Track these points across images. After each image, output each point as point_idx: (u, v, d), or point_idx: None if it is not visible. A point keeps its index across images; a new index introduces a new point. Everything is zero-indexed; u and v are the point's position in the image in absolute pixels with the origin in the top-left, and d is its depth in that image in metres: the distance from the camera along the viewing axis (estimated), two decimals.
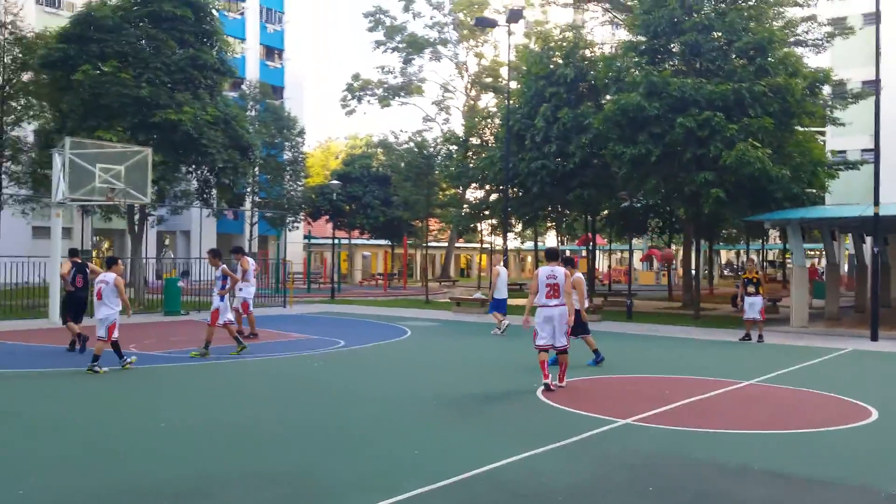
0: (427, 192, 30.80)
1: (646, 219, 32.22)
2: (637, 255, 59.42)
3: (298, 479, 5.89)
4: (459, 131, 37.17)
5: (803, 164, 20.73)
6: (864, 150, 35.34)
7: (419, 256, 64.46)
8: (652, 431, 7.72)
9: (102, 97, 21.90)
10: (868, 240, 31.33)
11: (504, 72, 50.88)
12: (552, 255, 10.33)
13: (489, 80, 55.83)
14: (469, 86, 58.73)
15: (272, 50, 58.61)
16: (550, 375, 9.88)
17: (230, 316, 13.15)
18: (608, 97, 21.21)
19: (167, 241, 53.34)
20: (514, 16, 22.61)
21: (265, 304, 25.34)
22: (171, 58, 22.71)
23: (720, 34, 20.76)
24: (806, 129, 29.77)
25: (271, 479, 5.88)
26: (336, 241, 42.34)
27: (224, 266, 12.89)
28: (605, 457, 6.68)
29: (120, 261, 12.18)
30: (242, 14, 56.28)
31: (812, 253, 59.49)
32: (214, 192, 27.98)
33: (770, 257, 62.44)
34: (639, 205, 29.19)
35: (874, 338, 17.20)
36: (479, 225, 40.08)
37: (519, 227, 40.99)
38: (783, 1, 24.13)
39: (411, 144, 42.03)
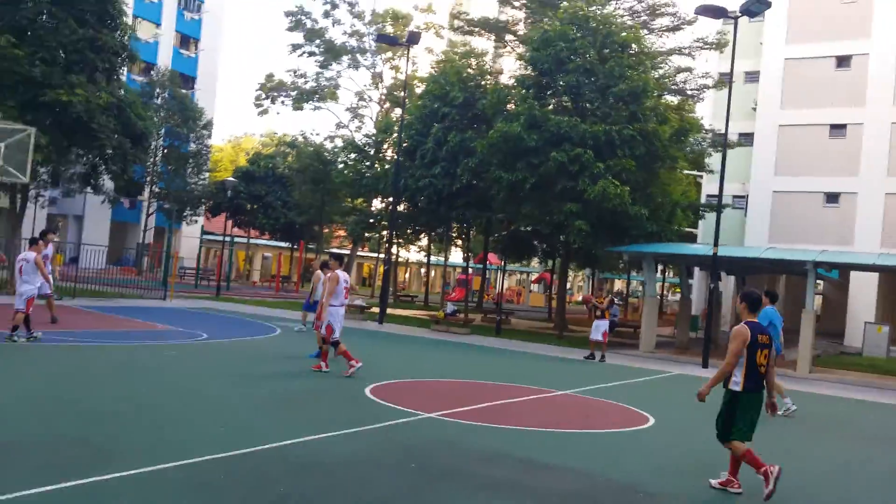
0: (322, 198, 31.42)
1: (532, 243, 33.78)
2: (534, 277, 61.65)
3: (102, 445, 6.58)
4: (364, 140, 38.00)
5: (663, 205, 22.56)
6: (735, 196, 38.14)
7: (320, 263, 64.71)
8: (447, 424, 8.74)
9: None
10: (730, 278, 34.00)
11: (419, 88, 52.18)
12: (340, 259, 12.56)
13: (402, 93, 56.93)
14: (383, 97, 59.69)
15: (188, 38, 57.91)
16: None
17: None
18: (496, 125, 22.53)
19: (59, 225, 51.76)
20: (413, 38, 23.75)
21: (144, 297, 25.39)
22: (69, 37, 22.59)
23: (600, 78, 22.40)
24: (687, 172, 32.19)
25: (80, 443, 6.55)
26: (229, 238, 42.22)
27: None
28: (391, 441, 7.65)
29: (40, 241, 12.64)
30: None
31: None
32: (106, 178, 27.73)
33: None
34: (527, 229, 30.78)
35: (705, 364, 19.00)
36: (382, 235, 41.12)
37: (424, 241, 41.96)
38: (655, 54, 26.14)
39: (310, 149, 42.52)
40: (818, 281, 38.31)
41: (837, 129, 34.24)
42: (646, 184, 22.15)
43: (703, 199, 35.69)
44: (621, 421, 10.11)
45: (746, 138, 37.37)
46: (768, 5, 18.64)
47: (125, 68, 28.15)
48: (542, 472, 6.93)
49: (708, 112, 38.54)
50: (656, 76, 25.31)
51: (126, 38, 24.93)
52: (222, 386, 10.09)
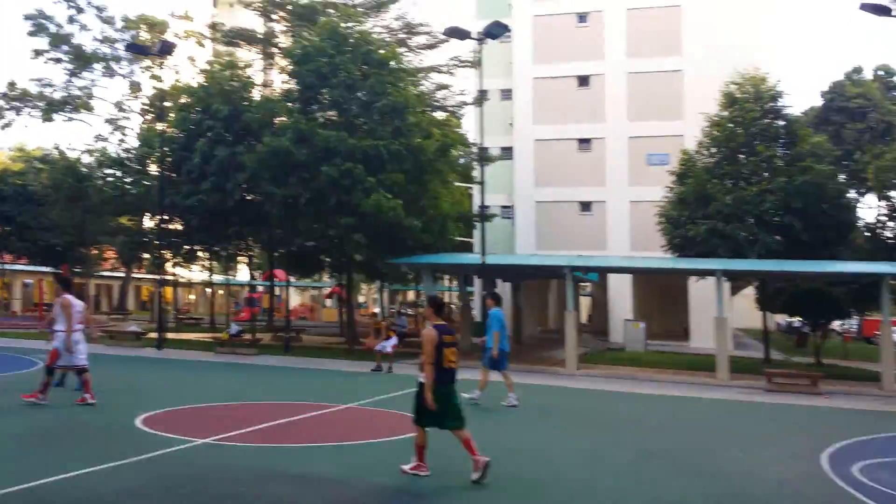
0: (83, 216, 29.06)
1: (319, 258, 33.71)
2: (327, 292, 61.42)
3: None
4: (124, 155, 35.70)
5: (435, 217, 23.60)
6: (503, 207, 40.63)
7: (92, 287, 59.88)
8: (224, 448, 8.71)
9: None
10: (507, 284, 36.13)
11: (184, 99, 49.79)
12: (66, 283, 12.41)
13: (168, 104, 54.42)
14: (144, 108, 56.31)
15: None
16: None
17: None
18: (263, 139, 22.32)
19: None
20: (166, 48, 22.93)
21: None
22: None
23: (364, 93, 22.95)
24: (458, 184, 33.76)
25: None
26: None
27: None
28: (163, 470, 7.55)
29: None
30: None
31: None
32: None
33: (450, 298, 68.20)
34: (309, 244, 30.69)
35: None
36: (157, 255, 38.92)
37: (206, 261, 40.27)
38: (413, 71, 27.31)
39: (60, 164, 39.12)
40: (585, 283, 41.94)
41: (584, 142, 37.52)
42: (417, 197, 23.02)
43: (475, 210, 37.67)
44: (399, 428, 10.53)
45: (507, 152, 39.94)
46: (506, 29, 20.10)
47: None
48: (317, 486, 7.22)
49: (472, 127, 40.81)
50: (417, 92, 26.28)
51: None
52: None
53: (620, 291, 36.18)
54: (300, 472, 7.66)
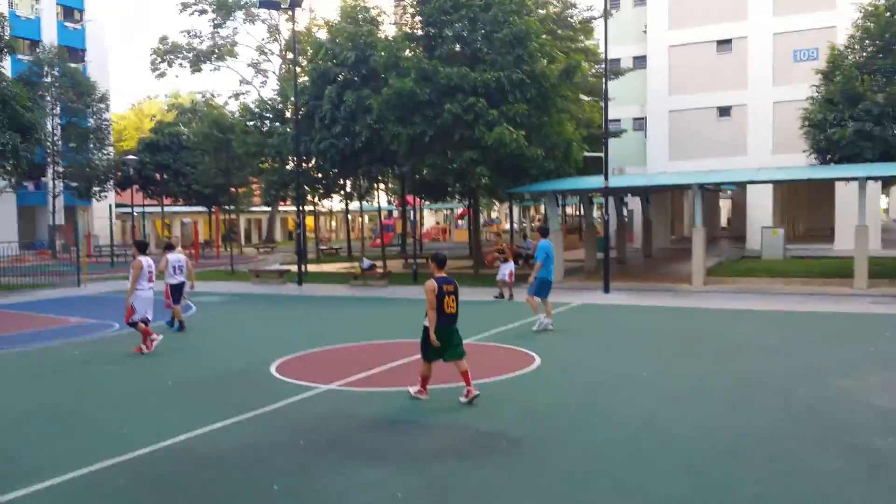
0: (226, 168, 31.21)
1: (443, 186, 34.44)
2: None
3: (8, 461, 7.06)
4: (269, 96, 37.52)
5: (559, 143, 23.44)
6: (635, 119, 39.42)
7: (243, 221, 64.12)
8: (342, 395, 9.47)
9: None
10: (636, 198, 35.44)
11: (321, 33, 51.24)
12: (143, 247, 13.33)
13: (292, 56, 56.04)
14: (284, 50, 58.45)
15: (71, 10, 55.30)
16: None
17: None
18: (389, 81, 22.84)
19: None
20: (296, 1, 23.60)
21: (58, 285, 25.20)
22: None
23: (485, 26, 22.79)
24: (587, 99, 33.01)
25: None
26: (136, 208, 41.40)
27: None
28: (285, 420, 8.34)
29: None
30: None
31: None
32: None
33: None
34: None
35: (606, 290, 20.24)
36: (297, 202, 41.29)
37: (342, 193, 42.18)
38: None
39: (208, 114, 41.75)
40: (728, 189, 40.38)
41: (724, 44, 35.62)
42: (541, 124, 22.90)
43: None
44: (508, 366, 11.00)
45: (640, 61, 38.46)
46: None
47: (6, 57, 27.15)
48: (418, 433, 7.73)
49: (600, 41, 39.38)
50: (540, 16, 25.74)
51: (2, 28, 24.07)
52: (127, 383, 10.54)
53: (760, 195, 34.63)
54: (410, 417, 8.29)
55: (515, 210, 55.66)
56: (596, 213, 37.16)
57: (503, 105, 21.93)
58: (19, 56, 41.77)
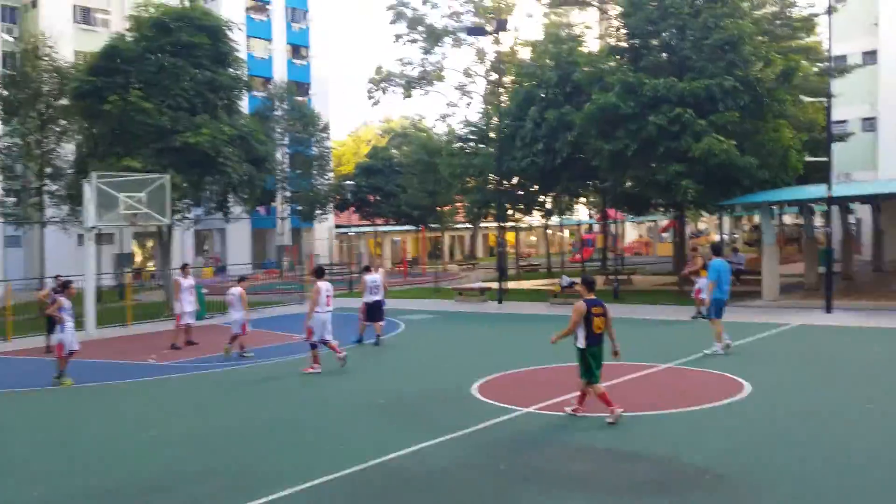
0: (432, 189, 32.57)
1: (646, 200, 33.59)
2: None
3: (237, 473, 7.94)
4: (474, 117, 38.94)
5: (775, 150, 22.04)
6: (864, 119, 35.95)
7: (447, 238, 66.43)
8: (542, 418, 9.60)
9: (128, 125, 24.17)
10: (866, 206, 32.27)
11: (524, 53, 52.25)
12: (320, 273, 14.43)
13: (507, 65, 57.44)
14: (489, 70, 60.10)
15: (298, 48, 60.67)
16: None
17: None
18: (592, 96, 22.78)
19: (206, 246, 56.26)
20: (501, 25, 24.33)
21: (283, 302, 27.63)
22: (189, 83, 24.85)
23: (695, 32, 22.07)
24: (809, 99, 30.73)
25: (217, 473, 7.95)
26: (352, 229, 44.25)
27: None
28: (487, 443, 8.61)
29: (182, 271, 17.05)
30: (268, 16, 58.37)
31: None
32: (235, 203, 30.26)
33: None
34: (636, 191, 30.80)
35: (828, 310, 18.65)
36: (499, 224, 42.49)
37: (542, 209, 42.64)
38: None
39: (418, 137, 43.95)
40: None
41: None
42: (754, 132, 21.71)
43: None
44: (716, 394, 10.53)
45: (870, 57, 35.08)
46: None
47: (245, 97, 30.43)
48: (620, 463, 7.65)
49: (822, 35, 36.49)
50: (755, 17, 24.42)
51: (241, 71, 27.02)
52: (342, 400, 11.37)
53: None
54: (610, 444, 8.22)
55: (726, 221, 52.70)
56: (818, 223, 34.33)
57: (713, 114, 21.06)
58: (255, 93, 46.62)
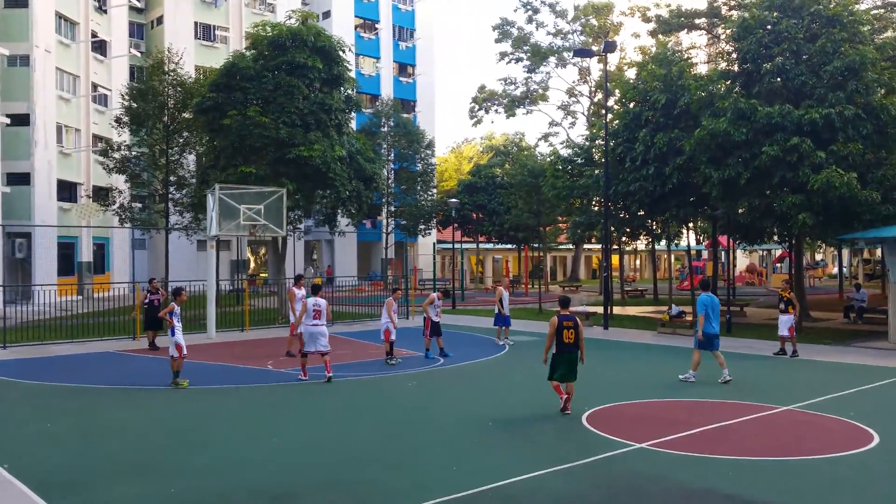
0: (537, 209, 32.46)
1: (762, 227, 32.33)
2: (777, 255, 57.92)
3: (356, 487, 8.11)
4: (577, 138, 38.64)
5: None
6: None
7: (549, 259, 65.96)
8: (657, 456, 9.35)
9: (247, 138, 25.37)
10: None
11: (630, 72, 51.65)
12: (316, 289, 15.06)
13: (603, 102, 56.95)
14: (593, 90, 59.64)
15: (404, 66, 62.09)
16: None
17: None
18: (703, 122, 22.22)
19: (315, 256, 58.04)
20: (609, 47, 24.06)
21: None
22: (303, 102, 25.86)
23: (812, 57, 21.23)
24: None
25: (336, 486, 8.14)
26: (455, 245, 44.63)
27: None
28: (600, 477, 8.47)
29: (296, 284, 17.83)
30: (377, 34, 60.02)
31: None
32: (344, 218, 31.15)
33: None
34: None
35: None
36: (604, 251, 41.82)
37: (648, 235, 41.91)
38: (871, 19, 23.94)
39: (519, 159, 44.10)
40: None
41: None
42: (876, 164, 20.62)
43: None
44: (841, 442, 10.01)
45: None
46: None
47: (353, 117, 31.33)
48: None
49: None
50: (878, 43, 23.24)
51: (352, 91, 27.87)
52: (453, 418, 11.46)
53: None
54: (733, 491, 7.89)
55: (845, 253, 50.12)
56: None
57: (832, 144, 20.13)
58: (363, 110, 47.97)
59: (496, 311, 21.36)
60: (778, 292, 18.75)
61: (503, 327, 21.02)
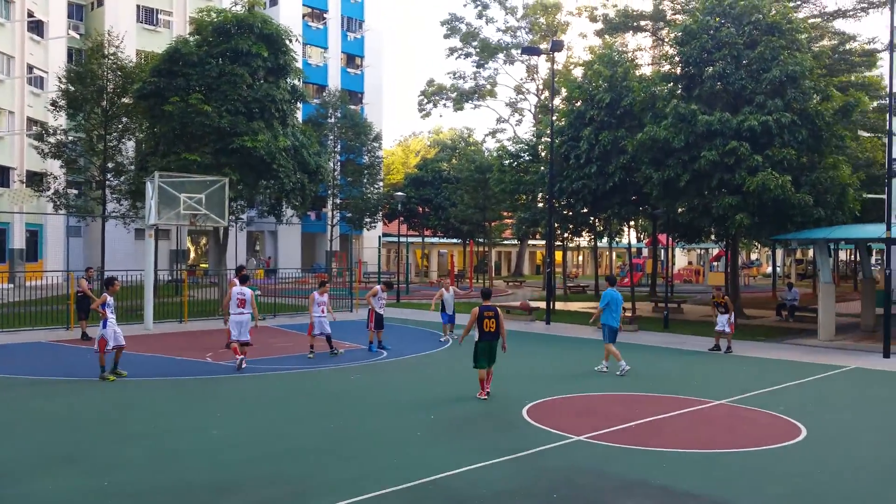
0: (483, 204, 32.66)
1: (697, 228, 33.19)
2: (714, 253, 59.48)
3: (295, 480, 8.06)
4: (524, 135, 39.03)
5: (832, 188, 21.66)
6: None
7: (494, 254, 66.41)
8: (595, 448, 9.54)
9: (189, 126, 24.86)
10: None
11: (577, 71, 52.30)
12: (244, 279, 15.44)
13: (550, 99, 57.71)
14: (540, 88, 60.19)
15: (352, 57, 61.59)
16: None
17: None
18: (645, 127, 22.70)
19: (258, 247, 57.21)
20: (557, 45, 24.31)
21: (333, 309, 27.85)
22: (247, 91, 25.42)
23: (752, 63, 21.85)
24: (867, 134, 30.17)
25: (275, 479, 8.08)
26: (400, 239, 44.60)
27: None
28: (539, 469, 8.59)
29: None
30: (325, 24, 59.39)
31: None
32: (287, 209, 30.78)
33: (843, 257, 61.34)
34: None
35: (886, 354, 18.16)
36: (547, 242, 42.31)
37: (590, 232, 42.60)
38: (808, 28, 24.77)
39: (467, 154, 44.33)
40: None
41: None
42: (810, 168, 21.38)
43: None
44: (771, 436, 10.36)
45: None
46: None
47: (299, 108, 30.95)
48: (676, 502, 7.55)
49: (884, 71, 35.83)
50: (814, 52, 24.11)
51: (298, 82, 27.52)
52: (396, 412, 11.48)
53: None
54: (665, 482, 8.10)
55: (779, 253, 51.80)
56: (874, 260, 33.47)
57: (769, 149, 20.81)
58: (309, 100, 47.43)
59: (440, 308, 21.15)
60: (713, 299, 19.27)
61: (448, 324, 21.05)
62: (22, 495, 7.48)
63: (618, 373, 14.97)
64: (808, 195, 20.73)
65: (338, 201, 50.23)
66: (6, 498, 7.39)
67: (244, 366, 14.82)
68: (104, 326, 13.58)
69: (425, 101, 61.26)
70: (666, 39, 31.55)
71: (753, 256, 66.93)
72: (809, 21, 28.71)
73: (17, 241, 39.19)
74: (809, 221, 21.52)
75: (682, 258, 72.39)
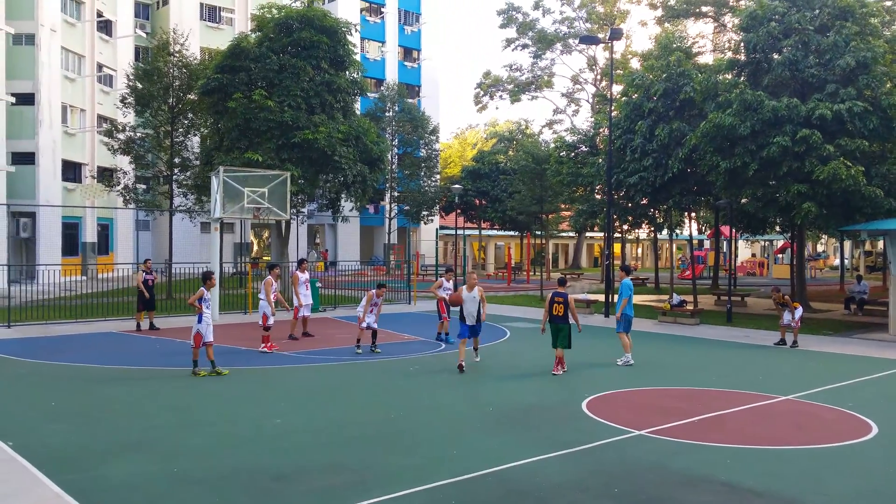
0: (540, 196, 32.46)
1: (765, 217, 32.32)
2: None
3: (358, 469, 8.18)
4: (582, 125, 38.58)
5: None
6: None
7: (551, 246, 65.95)
8: (656, 443, 9.42)
9: (252, 121, 25.34)
10: None
11: (635, 62, 51.39)
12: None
13: (619, 71, 56.59)
14: (598, 77, 59.39)
15: (410, 50, 61.83)
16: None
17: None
18: (709, 115, 22.15)
19: (318, 240, 58.07)
20: (615, 34, 23.93)
21: (392, 301, 28.12)
22: (308, 84, 25.79)
23: (822, 49, 21.15)
24: None
25: (338, 468, 8.22)
26: (458, 231, 44.62)
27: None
28: (600, 463, 8.52)
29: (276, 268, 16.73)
30: (382, 18, 59.75)
31: None
32: (347, 202, 31.14)
33: None
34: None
35: None
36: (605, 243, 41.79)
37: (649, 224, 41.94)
38: (882, 12, 23.82)
39: (525, 146, 43.99)
40: None
41: None
42: (881, 158, 20.59)
43: None
44: (840, 433, 10.07)
45: None
46: None
47: (358, 100, 31.27)
48: (740, 499, 7.40)
49: None
50: (887, 35, 23.14)
51: (357, 74, 27.81)
52: (454, 403, 11.54)
53: None
54: (728, 478, 7.93)
55: (847, 245, 50.04)
56: None
57: (839, 138, 20.09)
58: (368, 94, 47.87)
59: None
60: (774, 303, 18.84)
61: (467, 337, 19.57)
62: (95, 478, 7.79)
63: (619, 362, 15.24)
64: (879, 188, 19.98)
65: (395, 194, 50.60)
66: (81, 481, 7.70)
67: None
68: (199, 321, 13.63)
69: (482, 93, 61.12)
70: (729, 26, 30.75)
71: (820, 248, 64.78)
72: (884, 3, 27.63)
73: (90, 234, 40.64)
74: (880, 213, 20.75)
75: (745, 250, 70.65)
